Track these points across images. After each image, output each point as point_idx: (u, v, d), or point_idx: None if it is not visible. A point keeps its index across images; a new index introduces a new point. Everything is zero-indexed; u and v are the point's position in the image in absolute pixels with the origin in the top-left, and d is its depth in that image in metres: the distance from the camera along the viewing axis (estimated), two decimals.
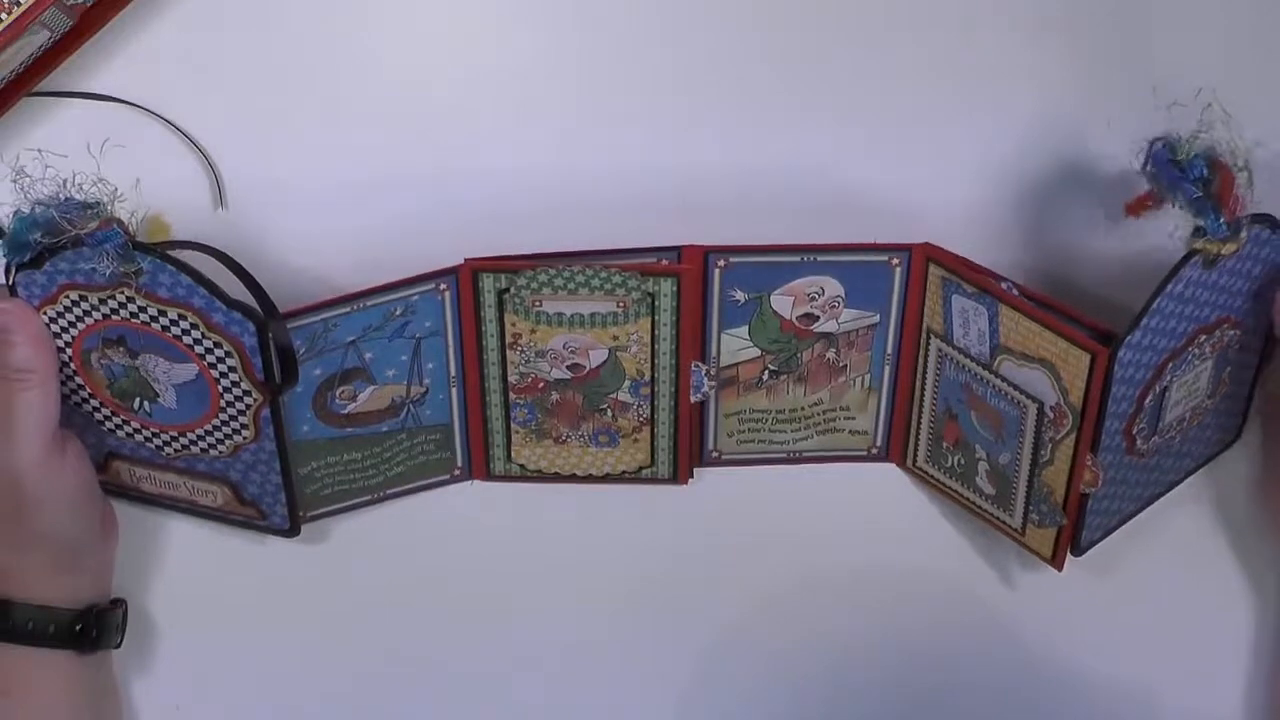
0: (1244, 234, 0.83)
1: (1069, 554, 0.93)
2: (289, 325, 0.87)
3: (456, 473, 0.97)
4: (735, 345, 0.93)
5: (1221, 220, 0.82)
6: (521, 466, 0.96)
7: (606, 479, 0.97)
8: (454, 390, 0.94)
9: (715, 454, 0.98)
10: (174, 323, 0.86)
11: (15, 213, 0.84)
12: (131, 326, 0.86)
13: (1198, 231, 0.83)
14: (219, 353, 0.86)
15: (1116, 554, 0.99)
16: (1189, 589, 1.02)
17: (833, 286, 0.91)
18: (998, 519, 0.95)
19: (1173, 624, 1.02)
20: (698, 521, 0.99)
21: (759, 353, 0.94)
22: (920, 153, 0.91)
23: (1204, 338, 0.88)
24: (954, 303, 0.90)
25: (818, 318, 0.92)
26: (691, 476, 0.97)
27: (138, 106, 0.89)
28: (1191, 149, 0.82)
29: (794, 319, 0.92)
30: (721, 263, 0.90)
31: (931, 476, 0.97)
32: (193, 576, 0.97)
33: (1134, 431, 0.89)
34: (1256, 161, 0.82)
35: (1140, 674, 1.02)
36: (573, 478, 0.97)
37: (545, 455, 0.96)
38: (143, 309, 0.85)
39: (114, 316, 0.86)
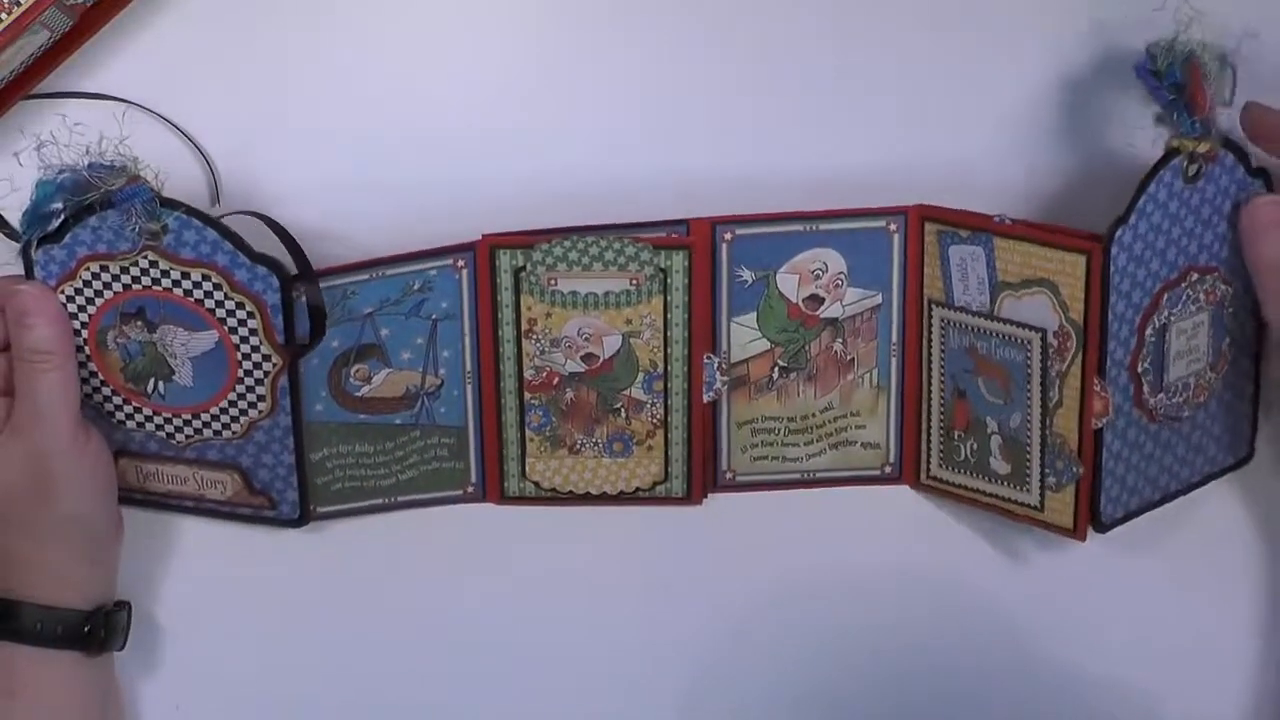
0: (1215, 133, 0.88)
1: (1090, 529, 0.92)
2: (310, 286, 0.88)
3: (470, 489, 0.96)
4: (745, 336, 0.95)
5: (1194, 119, 0.87)
6: (535, 485, 0.96)
7: (620, 498, 0.96)
8: (469, 387, 0.94)
9: (729, 475, 0.98)
10: (197, 285, 0.87)
11: (38, 182, 0.86)
12: (152, 295, 0.88)
13: (1175, 136, 0.88)
14: (241, 314, 0.88)
15: (1133, 569, 1.00)
16: (1210, 605, 1.02)
17: (835, 261, 0.94)
18: (1015, 503, 0.94)
19: (1194, 639, 1.02)
20: (712, 550, 0.99)
21: (768, 345, 0.95)
22: (916, 116, 0.95)
23: (1196, 277, 0.91)
24: (951, 255, 0.92)
25: (823, 300, 0.94)
26: (706, 497, 0.97)
27: (137, 106, 0.91)
28: (1169, 57, 0.87)
29: (800, 302, 0.94)
30: (728, 235, 0.93)
31: (945, 483, 0.97)
32: (193, 578, 0.96)
33: (1139, 370, 0.90)
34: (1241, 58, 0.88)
35: (1159, 686, 1.02)
36: (586, 497, 0.96)
37: (559, 470, 0.96)
38: (165, 273, 0.87)
39: (135, 286, 0.88)
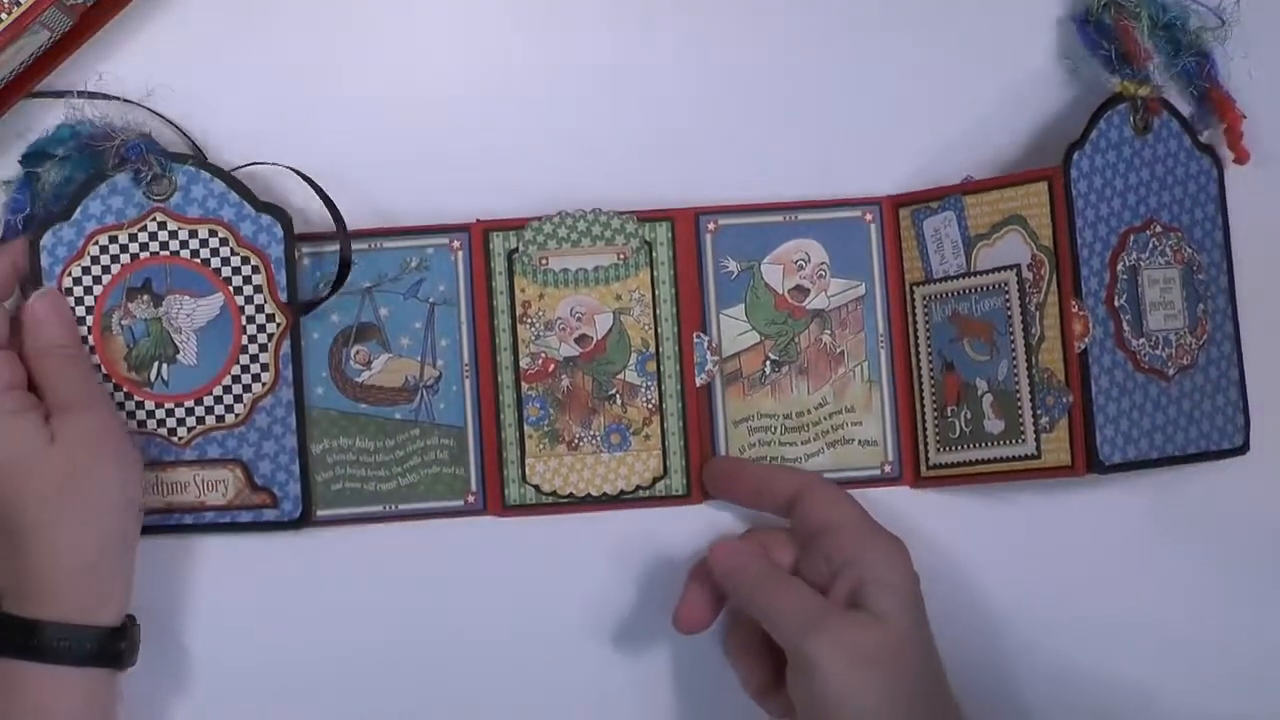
0: (1154, 78, 0.95)
1: (1089, 469, 0.93)
2: (309, 250, 0.93)
3: (470, 499, 0.96)
4: (735, 329, 0.97)
5: (1130, 65, 0.95)
6: (536, 489, 0.96)
7: (620, 499, 0.97)
8: (467, 382, 0.96)
9: None
10: (204, 243, 0.91)
11: (59, 125, 0.91)
12: (159, 262, 0.91)
13: (1118, 83, 0.95)
14: (246, 271, 0.91)
15: (1140, 567, 1.01)
16: (1220, 605, 1.02)
17: (817, 251, 0.98)
18: (1013, 459, 0.95)
19: (1200, 639, 1.02)
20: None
21: (759, 338, 0.98)
22: (907, 117, 1.01)
23: (1160, 229, 0.96)
24: (925, 228, 0.97)
25: (808, 291, 0.98)
26: (707, 497, 0.97)
27: (138, 105, 0.94)
28: (1097, 7, 0.95)
29: (786, 293, 0.98)
30: (711, 226, 0.97)
31: (945, 467, 0.97)
32: (194, 588, 0.96)
33: (1115, 306, 0.94)
34: None
35: (1163, 685, 1.01)
36: (587, 499, 0.96)
37: (559, 470, 0.96)
38: (173, 234, 0.91)
39: (143, 254, 0.91)
